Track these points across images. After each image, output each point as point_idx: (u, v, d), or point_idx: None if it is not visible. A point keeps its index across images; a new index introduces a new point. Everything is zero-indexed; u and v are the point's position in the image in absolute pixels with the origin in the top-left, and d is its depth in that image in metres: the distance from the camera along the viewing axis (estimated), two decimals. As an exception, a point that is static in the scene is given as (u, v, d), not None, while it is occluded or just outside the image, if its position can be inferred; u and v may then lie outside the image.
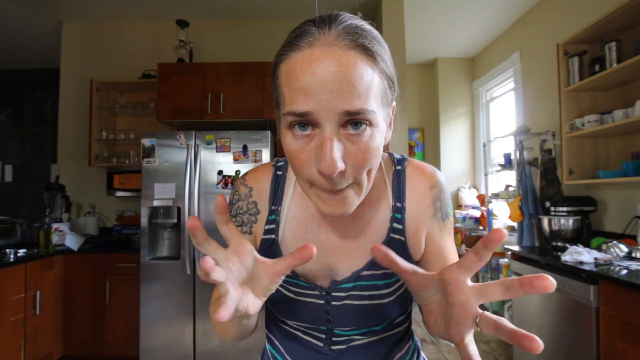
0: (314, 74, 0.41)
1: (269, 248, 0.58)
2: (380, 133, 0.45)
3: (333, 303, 0.56)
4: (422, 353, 0.69)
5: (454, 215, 3.85)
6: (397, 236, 0.55)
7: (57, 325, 2.46)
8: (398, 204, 0.56)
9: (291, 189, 0.59)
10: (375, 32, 0.47)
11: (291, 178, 0.60)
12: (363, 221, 0.56)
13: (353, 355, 0.58)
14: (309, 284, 0.56)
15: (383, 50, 0.46)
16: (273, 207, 0.59)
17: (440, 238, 0.57)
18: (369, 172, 0.45)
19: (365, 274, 0.55)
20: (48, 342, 2.38)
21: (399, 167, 0.59)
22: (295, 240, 0.57)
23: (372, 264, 0.55)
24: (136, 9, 3.09)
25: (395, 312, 0.57)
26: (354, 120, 0.42)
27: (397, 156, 0.61)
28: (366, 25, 0.46)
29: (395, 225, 0.56)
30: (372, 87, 0.43)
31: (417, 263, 0.60)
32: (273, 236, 0.58)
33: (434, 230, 0.57)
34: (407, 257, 0.56)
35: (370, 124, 0.43)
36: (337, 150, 0.41)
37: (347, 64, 0.41)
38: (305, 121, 0.43)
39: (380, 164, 0.59)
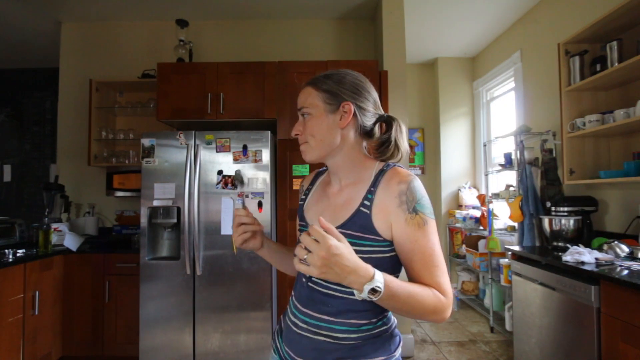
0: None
1: (300, 208, 0.93)
2: (318, 119, 0.80)
3: None
4: (399, 346, 0.78)
5: (447, 217, 3.86)
6: (364, 209, 0.76)
7: (56, 325, 2.46)
8: (372, 189, 0.77)
9: (319, 180, 0.94)
10: (329, 74, 0.83)
11: (321, 175, 0.95)
12: (348, 196, 0.80)
13: (317, 293, 0.78)
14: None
15: (329, 82, 0.81)
16: (309, 187, 0.96)
17: (409, 228, 0.71)
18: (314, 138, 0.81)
19: (339, 230, 0.72)
20: (47, 342, 2.37)
21: (385, 169, 0.79)
22: (311, 205, 0.90)
23: (343, 225, 0.76)
24: (136, 9, 3.08)
25: None
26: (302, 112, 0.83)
27: (391, 164, 0.81)
28: (327, 73, 0.83)
29: (365, 202, 0.76)
30: (312, 99, 0.82)
31: (391, 244, 0.75)
32: (301, 203, 0.94)
33: (399, 219, 0.72)
34: (371, 227, 0.74)
35: (310, 115, 0.82)
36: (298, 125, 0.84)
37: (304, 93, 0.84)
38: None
39: (372, 165, 0.81)
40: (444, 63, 4.17)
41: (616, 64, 1.95)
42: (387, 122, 0.83)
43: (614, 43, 1.99)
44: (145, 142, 2.36)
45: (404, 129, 0.83)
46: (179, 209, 2.35)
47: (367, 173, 0.80)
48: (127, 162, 2.96)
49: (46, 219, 2.56)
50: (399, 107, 2.76)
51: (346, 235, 0.72)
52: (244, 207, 0.89)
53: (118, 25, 3.27)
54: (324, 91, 0.80)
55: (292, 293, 0.87)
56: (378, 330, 0.76)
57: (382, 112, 0.85)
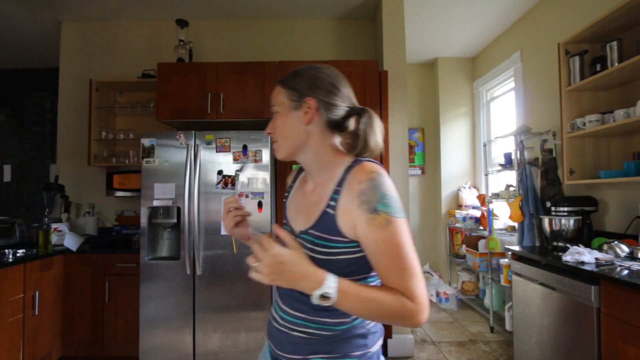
0: None
1: (284, 205, 0.94)
2: (284, 117, 0.82)
3: None
4: (377, 341, 0.78)
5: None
6: (329, 210, 0.74)
7: (56, 325, 2.46)
8: (338, 188, 0.75)
9: (299, 177, 0.93)
10: (297, 70, 0.82)
11: (302, 172, 0.93)
12: (320, 195, 0.79)
13: (296, 292, 0.75)
14: (290, 228, 0.86)
15: (295, 78, 0.81)
16: (291, 185, 0.96)
17: (371, 229, 0.67)
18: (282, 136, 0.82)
19: (310, 231, 0.76)
20: (47, 342, 2.37)
21: (352, 165, 0.76)
22: (291, 202, 0.90)
23: (313, 226, 0.75)
24: (136, 9, 3.08)
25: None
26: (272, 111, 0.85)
27: (360, 159, 0.77)
28: (295, 70, 0.82)
29: (331, 202, 0.74)
30: (280, 97, 0.83)
31: (358, 244, 0.72)
32: (285, 200, 0.94)
33: (360, 220, 0.68)
34: (336, 229, 0.72)
35: (278, 113, 0.83)
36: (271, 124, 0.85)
37: (274, 92, 0.85)
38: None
39: (343, 161, 0.78)
40: (444, 63, 4.17)
41: (616, 64, 1.95)
42: (359, 115, 0.79)
43: (614, 43, 1.99)
44: (145, 142, 2.36)
45: (376, 122, 0.78)
46: (179, 209, 2.35)
47: (337, 170, 0.78)
48: (127, 162, 2.96)
49: (46, 219, 2.56)
50: (399, 107, 2.76)
51: (315, 237, 0.75)
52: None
53: (118, 25, 3.27)
54: (289, 88, 0.80)
55: (278, 289, 0.88)
56: (354, 328, 0.76)
57: (355, 105, 0.81)
